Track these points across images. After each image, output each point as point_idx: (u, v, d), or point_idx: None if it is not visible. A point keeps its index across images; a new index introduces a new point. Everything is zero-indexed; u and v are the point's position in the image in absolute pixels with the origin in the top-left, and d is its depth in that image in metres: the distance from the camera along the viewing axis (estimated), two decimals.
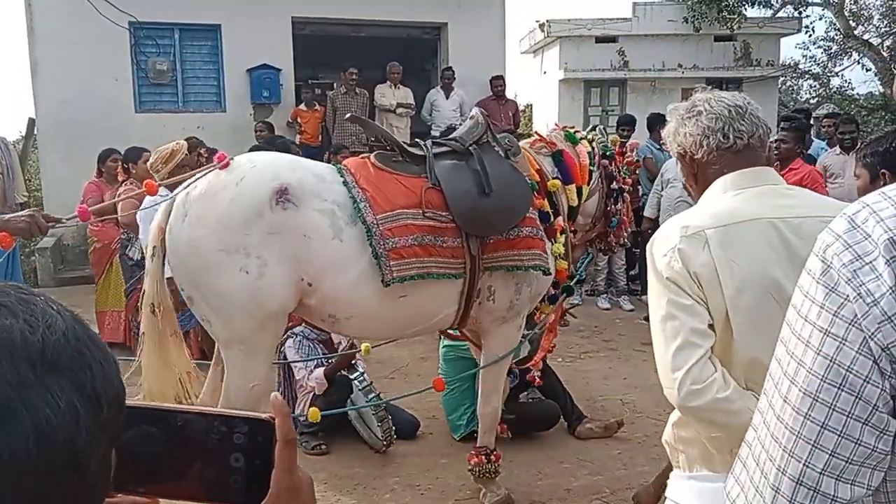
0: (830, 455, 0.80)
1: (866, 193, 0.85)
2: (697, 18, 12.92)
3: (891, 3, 15.52)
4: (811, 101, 17.79)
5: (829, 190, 5.80)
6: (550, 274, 2.99)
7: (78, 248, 8.30)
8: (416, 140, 3.17)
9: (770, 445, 0.85)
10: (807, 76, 18.87)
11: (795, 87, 20.37)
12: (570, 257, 3.22)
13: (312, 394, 3.94)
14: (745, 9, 13.39)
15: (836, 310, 0.78)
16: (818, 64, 18.15)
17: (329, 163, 3.44)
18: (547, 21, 13.41)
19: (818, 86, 18.95)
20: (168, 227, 2.64)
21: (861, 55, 15.85)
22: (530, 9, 16.86)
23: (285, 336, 3.93)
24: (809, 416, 0.81)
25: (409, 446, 4.01)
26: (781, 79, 16.35)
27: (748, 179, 1.59)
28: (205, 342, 5.02)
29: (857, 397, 0.78)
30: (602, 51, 13.19)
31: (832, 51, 17.37)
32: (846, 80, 18.69)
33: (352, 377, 4.02)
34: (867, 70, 16.12)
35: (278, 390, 4.07)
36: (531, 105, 15.55)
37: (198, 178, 2.65)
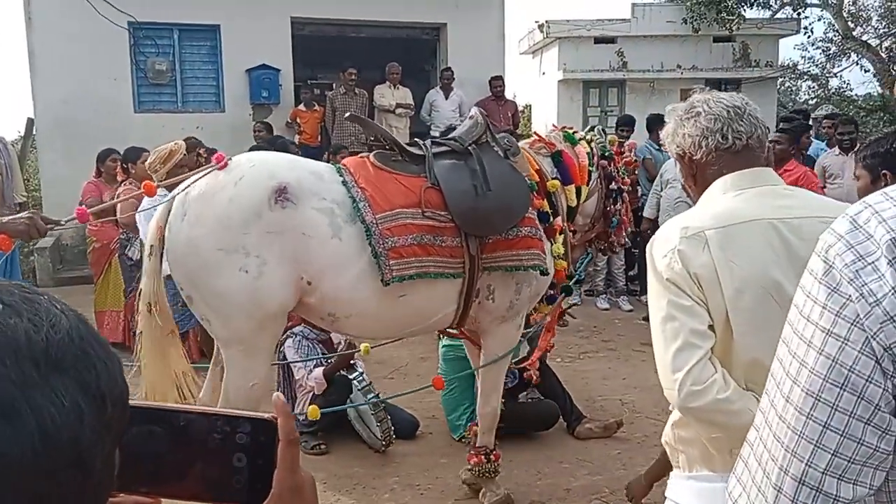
0: (833, 455, 0.80)
1: (867, 195, 0.85)
2: (696, 19, 12.94)
3: (889, 4, 15.54)
4: (810, 102, 17.79)
5: (829, 190, 5.81)
6: (549, 274, 3.00)
7: (77, 247, 8.30)
8: (416, 140, 3.17)
9: (772, 445, 0.85)
10: (805, 77, 18.90)
11: (794, 88, 20.40)
12: (570, 257, 3.22)
13: (312, 394, 3.94)
14: (744, 10, 13.41)
15: (838, 310, 0.79)
16: (817, 65, 18.19)
17: (328, 163, 3.44)
18: (546, 22, 13.43)
19: (817, 87, 18.98)
20: (167, 226, 2.64)
21: (860, 56, 15.87)
22: (529, 9, 16.88)
23: (285, 336, 3.93)
24: (812, 415, 0.81)
25: (408, 446, 4.01)
26: (780, 80, 16.37)
27: (747, 180, 1.59)
28: (204, 342, 5.02)
29: (859, 397, 0.78)
30: (601, 51, 13.21)
31: (831, 52, 17.39)
32: (845, 81, 18.74)
33: (351, 377, 4.02)
34: (866, 71, 16.14)
35: (278, 390, 4.07)
36: (530, 105, 15.56)
37: (197, 180, 2.65)
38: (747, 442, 0.92)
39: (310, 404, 3.74)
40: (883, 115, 14.19)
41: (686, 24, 13.08)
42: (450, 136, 3.15)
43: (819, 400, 0.80)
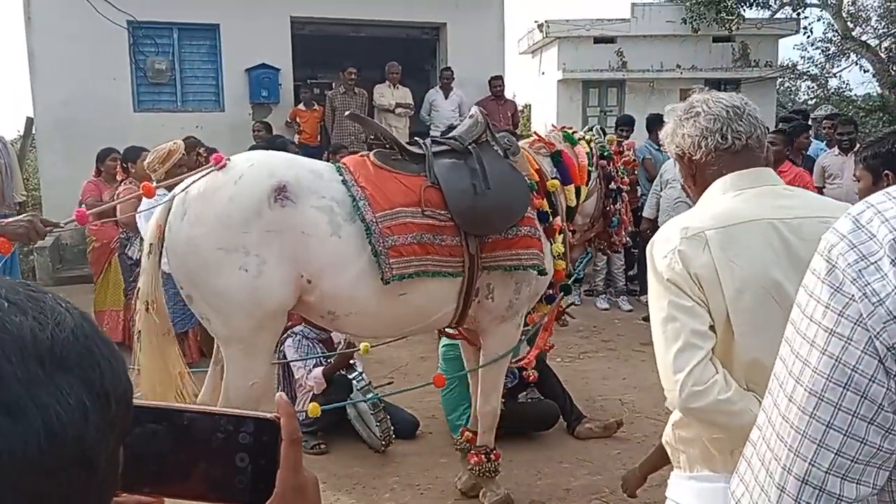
0: (836, 454, 0.80)
1: (869, 196, 0.85)
2: (696, 19, 12.95)
3: (889, 4, 15.55)
4: (809, 103, 17.80)
5: (828, 191, 5.82)
6: (547, 274, 3.00)
7: (76, 247, 8.29)
8: (416, 139, 3.18)
9: (775, 445, 0.85)
10: (805, 77, 18.89)
11: (793, 88, 20.40)
12: (569, 257, 3.23)
13: (311, 393, 3.94)
14: (744, 10, 13.41)
15: (841, 309, 0.79)
16: (816, 65, 18.18)
17: (328, 162, 3.44)
18: (545, 21, 13.43)
19: (816, 87, 18.97)
20: (167, 225, 2.64)
21: (859, 56, 15.87)
22: (529, 9, 16.87)
23: (285, 335, 3.93)
24: (815, 415, 0.81)
25: (408, 446, 4.01)
26: (779, 80, 16.37)
27: (747, 180, 1.59)
28: (204, 342, 5.03)
29: (862, 396, 0.78)
30: (600, 51, 13.22)
31: (830, 52, 17.38)
32: (844, 82, 18.74)
33: (350, 377, 4.02)
34: (865, 71, 16.13)
35: (278, 389, 4.08)
36: (529, 105, 15.56)
37: (195, 180, 2.64)
38: (750, 441, 0.92)
39: (310, 403, 3.74)
40: (882, 116, 14.21)
41: (685, 24, 13.08)
42: (450, 135, 3.15)
43: (822, 399, 0.80)
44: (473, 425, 3.45)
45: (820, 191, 5.60)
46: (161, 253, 2.69)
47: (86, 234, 6.25)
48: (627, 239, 3.68)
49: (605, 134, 3.56)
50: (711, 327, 1.47)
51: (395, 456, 3.89)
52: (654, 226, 6.16)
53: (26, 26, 8.58)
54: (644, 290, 6.96)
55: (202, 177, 2.64)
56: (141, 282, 2.74)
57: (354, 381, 4.01)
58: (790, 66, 17.95)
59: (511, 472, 3.59)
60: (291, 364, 4.04)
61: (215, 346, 2.94)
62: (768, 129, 1.70)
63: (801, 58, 18.23)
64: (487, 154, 2.97)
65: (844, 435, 0.79)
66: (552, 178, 3.14)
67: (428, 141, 3.04)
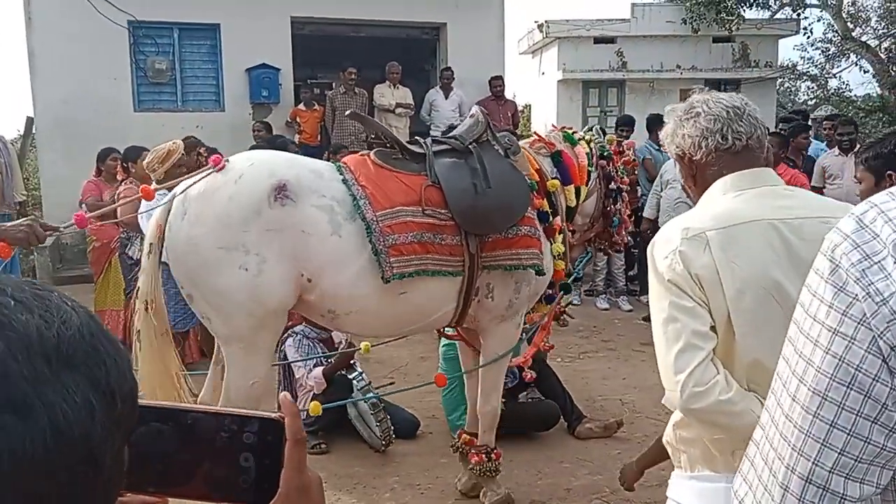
0: (840, 453, 0.80)
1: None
2: (696, 19, 12.95)
3: (888, 4, 15.55)
4: (809, 103, 17.81)
5: (828, 191, 5.82)
6: (546, 274, 3.00)
7: (77, 246, 8.29)
8: (416, 138, 3.18)
9: (779, 444, 0.86)
10: (805, 77, 18.90)
11: (793, 89, 20.39)
12: (569, 257, 3.23)
13: (312, 393, 3.95)
14: (744, 10, 13.42)
15: (844, 309, 0.79)
16: (816, 65, 18.19)
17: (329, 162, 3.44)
18: (545, 21, 13.44)
19: (816, 87, 18.98)
20: (167, 225, 2.64)
21: (859, 57, 15.87)
22: (529, 9, 16.87)
23: (285, 334, 3.94)
24: (819, 414, 0.81)
25: (408, 446, 4.02)
26: (779, 80, 16.38)
27: (748, 180, 1.59)
28: (204, 342, 5.03)
29: (866, 396, 0.78)
30: (600, 51, 13.22)
31: (830, 52, 17.39)
32: (844, 82, 18.74)
33: (350, 377, 4.02)
34: (865, 72, 16.13)
35: (278, 389, 4.08)
36: (530, 105, 15.57)
37: (194, 182, 2.64)
38: (753, 441, 0.92)
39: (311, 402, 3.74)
40: (882, 116, 14.21)
41: (685, 24, 13.09)
42: (450, 134, 3.16)
43: (826, 399, 0.80)
44: (470, 427, 3.45)
45: (820, 191, 5.60)
46: (161, 253, 2.70)
47: (86, 234, 6.25)
48: (628, 238, 3.67)
49: (605, 134, 3.56)
50: (712, 328, 1.47)
51: (396, 456, 3.89)
52: (654, 226, 6.16)
53: (26, 26, 8.58)
54: (644, 291, 6.97)
55: (201, 178, 2.64)
56: (141, 281, 2.75)
57: (354, 381, 4.02)
58: (790, 66, 17.96)
59: (511, 472, 3.59)
60: (292, 363, 4.04)
61: (216, 346, 2.95)
62: (768, 130, 1.70)
63: (801, 58, 18.26)
64: (488, 153, 2.97)
65: (848, 434, 0.79)
66: (552, 178, 3.14)
67: (428, 140, 3.04)
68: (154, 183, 4.52)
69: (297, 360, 3.98)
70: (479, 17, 10.04)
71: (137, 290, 2.76)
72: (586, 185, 3.30)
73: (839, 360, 0.79)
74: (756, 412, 1.39)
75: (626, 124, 7.19)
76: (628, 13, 13.26)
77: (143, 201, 4.26)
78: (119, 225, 5.27)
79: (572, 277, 3.42)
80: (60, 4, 8.44)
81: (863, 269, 0.78)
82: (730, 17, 12.84)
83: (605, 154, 3.42)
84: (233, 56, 9.15)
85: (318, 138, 9.06)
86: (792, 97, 19.70)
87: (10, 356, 0.47)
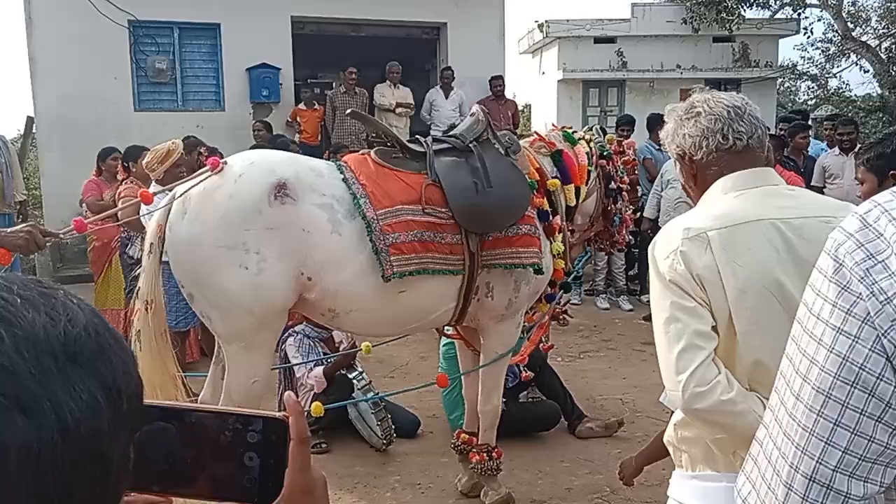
0: (843, 452, 0.80)
1: None
2: (696, 19, 12.95)
3: (889, 4, 15.55)
4: (809, 103, 17.82)
5: (828, 191, 5.83)
6: (544, 273, 3.00)
7: (77, 246, 8.29)
8: (417, 136, 3.18)
9: (782, 443, 0.86)
10: (805, 77, 18.91)
11: (793, 89, 20.41)
12: (568, 256, 3.23)
13: (313, 392, 3.95)
14: (744, 10, 13.41)
15: (848, 308, 0.79)
16: (816, 65, 18.20)
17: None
18: (546, 21, 13.43)
19: (816, 87, 18.99)
20: (168, 224, 2.64)
21: (859, 57, 15.87)
22: (529, 9, 16.88)
23: (286, 334, 3.94)
24: (822, 413, 0.81)
25: (409, 445, 4.02)
26: (779, 80, 16.37)
27: (749, 180, 1.58)
28: (204, 341, 5.03)
29: (869, 394, 0.78)
30: (601, 51, 13.21)
31: (830, 52, 17.40)
32: (844, 82, 18.76)
33: (351, 376, 4.03)
34: (865, 71, 16.13)
35: (278, 388, 4.08)
36: (530, 105, 15.57)
37: (193, 186, 2.63)
38: (756, 440, 0.92)
39: (310, 402, 3.75)
40: (882, 116, 14.22)
41: (686, 24, 13.09)
42: (451, 133, 3.16)
43: (830, 397, 0.80)
44: (468, 426, 3.45)
45: (820, 191, 5.60)
46: (162, 253, 2.70)
47: (86, 234, 6.25)
48: (630, 237, 3.67)
49: (605, 134, 3.56)
50: (714, 328, 1.47)
51: (396, 455, 3.89)
52: (654, 226, 6.16)
53: (27, 25, 8.58)
54: (644, 290, 6.98)
55: (200, 181, 2.63)
56: (141, 281, 2.74)
57: (355, 381, 4.02)
58: (790, 66, 17.97)
59: (512, 472, 3.59)
60: (292, 362, 4.04)
61: (216, 345, 2.95)
62: (768, 129, 1.70)
63: (801, 58, 18.28)
64: (488, 152, 2.97)
65: (852, 433, 0.79)
66: (552, 178, 3.14)
67: (429, 139, 3.05)
68: (154, 182, 4.53)
69: (299, 364, 3.98)
70: (479, 16, 10.05)
71: (138, 290, 2.76)
72: (586, 185, 3.31)
73: (843, 358, 0.79)
74: (757, 412, 1.39)
75: (626, 124, 7.19)
76: (628, 13, 13.26)
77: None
78: (119, 224, 5.26)
79: (572, 276, 3.42)
80: (61, 4, 8.43)
81: (867, 268, 0.78)
82: (730, 17, 12.84)
83: (605, 153, 3.42)
84: (233, 55, 9.15)
85: (319, 138, 9.07)
86: (792, 97, 19.71)
87: (18, 354, 0.47)
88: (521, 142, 3.24)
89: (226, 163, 2.67)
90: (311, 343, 4.08)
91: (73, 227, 2.62)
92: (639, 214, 6.26)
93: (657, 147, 6.90)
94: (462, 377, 3.52)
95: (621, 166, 3.52)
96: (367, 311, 2.77)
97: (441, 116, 8.93)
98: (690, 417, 1.51)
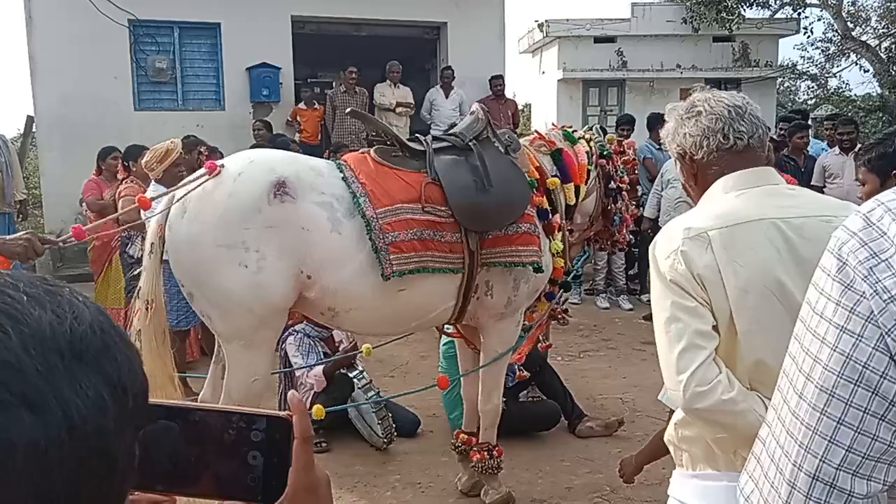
0: (847, 451, 0.80)
1: None
2: (696, 19, 12.96)
3: (888, 4, 15.55)
4: (809, 102, 17.82)
5: (828, 190, 5.83)
6: (544, 271, 3.01)
7: (77, 245, 8.27)
8: (416, 135, 3.18)
9: (785, 441, 0.86)
10: (805, 77, 18.91)
11: (793, 88, 20.42)
12: (568, 255, 3.23)
13: (313, 391, 3.95)
14: (744, 9, 13.41)
15: (852, 306, 0.79)
16: (816, 65, 18.20)
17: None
18: (546, 21, 13.44)
19: (816, 87, 19.00)
20: (167, 223, 2.64)
21: (859, 56, 15.87)
22: (529, 8, 16.87)
23: (286, 333, 3.94)
24: (826, 411, 0.81)
25: (409, 444, 4.02)
26: (779, 80, 16.38)
27: (749, 180, 1.58)
28: (204, 340, 5.03)
29: (873, 393, 0.78)
30: (600, 51, 13.22)
31: (830, 52, 17.40)
32: (844, 82, 18.77)
33: (351, 375, 4.03)
34: (865, 71, 16.14)
35: (279, 387, 4.08)
36: (530, 105, 15.57)
37: (190, 190, 2.62)
38: (759, 438, 0.92)
39: (311, 401, 3.75)
40: (882, 116, 14.22)
41: (686, 23, 13.09)
42: (450, 131, 3.16)
43: (833, 396, 0.80)
44: (467, 426, 3.45)
45: (820, 190, 5.61)
46: (162, 252, 2.70)
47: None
48: (630, 237, 3.67)
49: (605, 133, 3.56)
50: (714, 327, 1.46)
51: (397, 454, 3.90)
52: (654, 226, 6.16)
53: (27, 25, 8.57)
54: (644, 290, 6.98)
55: (197, 186, 2.62)
56: (142, 281, 2.74)
57: (356, 380, 4.02)
58: (790, 65, 17.97)
59: (512, 471, 3.59)
60: (292, 361, 4.04)
61: (216, 345, 2.95)
62: (769, 129, 1.69)
63: (801, 58, 18.28)
64: (488, 150, 2.97)
65: (855, 431, 0.79)
66: (552, 176, 3.14)
67: (429, 137, 3.05)
68: (153, 182, 4.53)
69: (301, 367, 3.98)
70: (479, 16, 10.05)
71: (139, 290, 2.77)
72: (585, 184, 3.31)
73: (846, 357, 0.79)
74: (758, 411, 1.39)
75: (626, 123, 7.19)
76: (628, 12, 13.26)
77: (147, 195, 4.26)
78: (119, 224, 5.26)
79: (571, 275, 3.42)
80: (61, 3, 8.43)
81: (870, 267, 0.78)
82: (730, 17, 12.84)
83: (605, 153, 3.42)
84: (233, 55, 9.15)
85: (319, 137, 9.07)
86: (792, 97, 19.72)
87: (24, 351, 0.47)
88: (521, 140, 3.24)
89: (223, 166, 2.66)
90: (312, 342, 4.08)
91: (71, 235, 2.62)
92: (640, 212, 6.27)
93: (657, 146, 6.90)
94: (461, 378, 3.52)
95: (621, 166, 3.52)
96: (366, 310, 2.77)
97: (441, 116, 8.93)
98: (691, 417, 1.51)
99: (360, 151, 3.01)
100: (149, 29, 8.96)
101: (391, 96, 8.97)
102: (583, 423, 4.11)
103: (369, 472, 3.68)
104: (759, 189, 1.57)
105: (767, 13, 14.45)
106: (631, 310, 6.97)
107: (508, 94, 10.16)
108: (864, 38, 16.17)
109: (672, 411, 1.74)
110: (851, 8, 16.25)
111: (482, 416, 3.28)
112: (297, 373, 4.06)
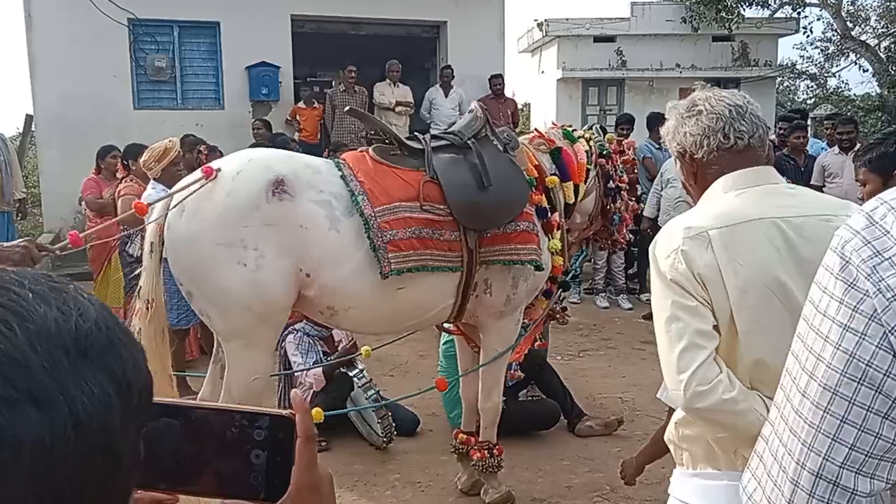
0: (850, 449, 0.80)
1: None
2: (695, 18, 12.97)
3: (888, 4, 15.56)
4: (808, 102, 17.83)
5: (828, 189, 5.83)
6: (543, 269, 3.01)
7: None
8: (415, 133, 3.18)
9: (788, 439, 0.86)
10: (804, 76, 18.92)
11: (793, 88, 20.42)
12: (566, 254, 3.23)
13: (312, 390, 3.95)
14: (743, 9, 13.42)
15: (855, 305, 0.79)
16: (815, 64, 18.22)
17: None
18: (545, 20, 13.45)
19: (815, 86, 19.01)
20: (166, 222, 2.64)
21: (858, 56, 15.88)
22: (529, 8, 16.87)
23: (286, 332, 3.94)
24: (829, 410, 0.81)
25: (409, 443, 4.02)
26: (779, 79, 16.39)
27: (749, 179, 1.58)
28: (204, 339, 5.03)
29: (876, 391, 0.78)
30: (600, 50, 13.23)
31: (829, 51, 17.41)
32: (843, 81, 18.78)
33: (351, 374, 4.03)
34: (864, 71, 16.15)
35: (278, 386, 4.08)
36: (529, 104, 15.57)
37: (188, 196, 2.60)
38: (762, 437, 0.92)
39: (310, 400, 3.75)
40: (881, 115, 14.23)
41: (685, 23, 13.10)
42: (449, 130, 3.16)
43: (836, 394, 0.81)
44: (466, 426, 3.45)
45: (820, 190, 5.61)
46: (162, 252, 2.70)
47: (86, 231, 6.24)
48: (630, 236, 3.67)
49: (605, 132, 3.56)
50: (715, 327, 1.46)
51: (396, 453, 3.90)
52: (654, 225, 6.16)
53: (26, 23, 8.57)
54: (644, 289, 6.99)
55: (194, 191, 2.60)
56: (142, 281, 2.74)
57: (355, 379, 4.02)
58: (789, 65, 17.98)
59: (512, 470, 3.59)
60: (292, 360, 4.05)
61: (215, 344, 2.95)
62: (769, 128, 1.69)
63: (801, 57, 18.30)
64: (487, 149, 2.97)
65: (858, 429, 0.80)
66: (551, 175, 3.14)
67: (427, 136, 3.04)
68: (151, 181, 4.52)
69: (301, 370, 3.98)
70: (479, 15, 10.04)
71: (139, 290, 2.76)
72: (585, 183, 3.31)
73: (849, 355, 0.79)
74: (759, 411, 1.40)
75: (625, 123, 7.18)
76: (628, 12, 13.27)
77: (146, 193, 4.26)
78: (118, 223, 5.25)
79: (570, 274, 3.42)
80: (60, 3, 8.42)
81: (873, 266, 0.78)
82: (729, 16, 12.85)
83: (605, 152, 3.42)
84: (233, 54, 9.14)
85: (318, 136, 9.07)
86: (791, 96, 19.73)
87: (30, 348, 0.47)
88: (520, 139, 3.24)
89: (219, 170, 2.64)
90: (311, 341, 4.08)
91: (68, 242, 2.63)
92: (638, 213, 6.27)
93: (657, 146, 6.90)
94: (460, 378, 3.52)
95: (620, 165, 3.52)
96: (365, 308, 2.77)
97: (441, 115, 8.92)
98: (692, 416, 1.52)
99: (358, 150, 3.01)
100: (148, 28, 8.95)
101: (391, 95, 8.96)
102: (582, 422, 4.11)
103: (369, 471, 3.68)
104: (759, 188, 1.57)
105: (767, 13, 14.46)
106: (630, 309, 6.97)
107: (508, 93, 10.16)
108: (863, 37, 16.19)
109: (671, 410, 1.74)
110: (851, 7, 16.27)
111: (482, 414, 3.28)
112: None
